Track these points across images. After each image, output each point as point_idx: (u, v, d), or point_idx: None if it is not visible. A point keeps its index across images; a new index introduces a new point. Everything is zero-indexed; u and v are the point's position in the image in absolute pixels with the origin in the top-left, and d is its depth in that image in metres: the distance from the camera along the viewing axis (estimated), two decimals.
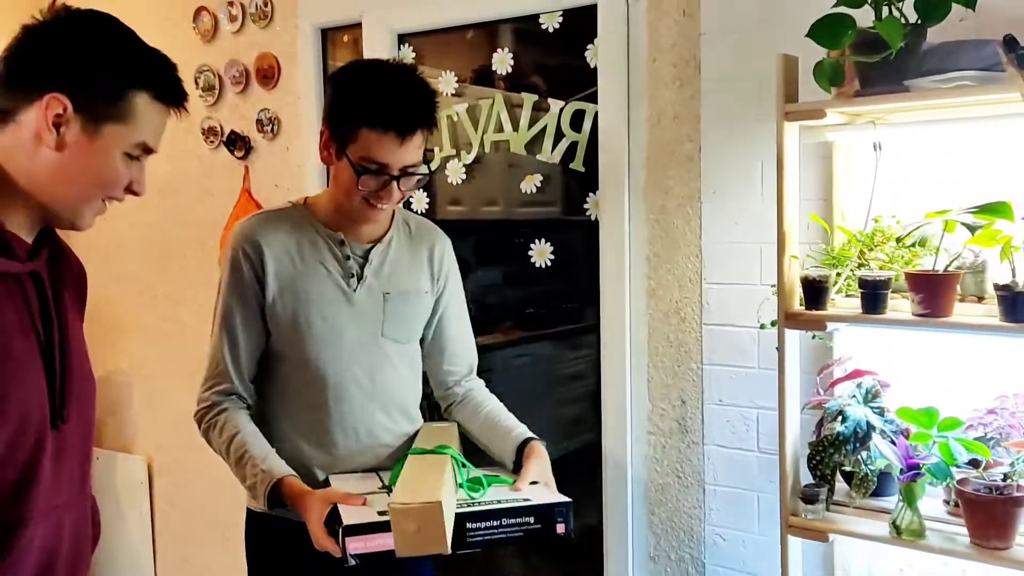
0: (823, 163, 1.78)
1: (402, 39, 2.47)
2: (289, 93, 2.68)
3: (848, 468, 1.58)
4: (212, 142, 2.85)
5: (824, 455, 1.57)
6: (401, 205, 1.68)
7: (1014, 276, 1.33)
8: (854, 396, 1.60)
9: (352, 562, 1.33)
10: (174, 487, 3.06)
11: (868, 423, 1.54)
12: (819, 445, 1.59)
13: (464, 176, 2.40)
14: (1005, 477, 1.42)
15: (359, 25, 2.51)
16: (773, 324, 1.69)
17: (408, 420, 1.69)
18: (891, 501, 1.59)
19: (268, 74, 2.71)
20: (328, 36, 2.64)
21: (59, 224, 1.18)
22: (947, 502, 1.55)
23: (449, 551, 1.32)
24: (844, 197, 1.73)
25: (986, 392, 1.58)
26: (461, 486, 1.49)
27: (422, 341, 1.74)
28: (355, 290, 1.59)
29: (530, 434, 1.63)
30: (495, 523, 1.39)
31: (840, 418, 1.57)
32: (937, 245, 1.46)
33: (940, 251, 1.44)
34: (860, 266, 1.59)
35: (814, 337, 1.76)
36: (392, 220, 1.67)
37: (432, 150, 2.40)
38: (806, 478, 1.66)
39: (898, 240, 1.48)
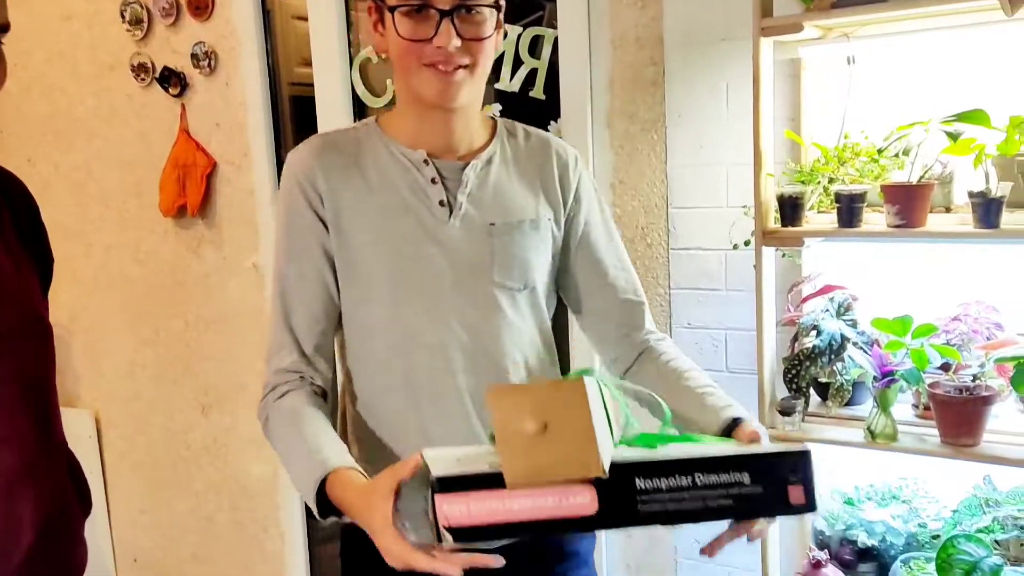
0: (791, 82, 1.79)
1: None
2: (226, 24, 2.54)
3: (823, 380, 1.63)
4: (143, 79, 2.69)
5: (800, 368, 1.62)
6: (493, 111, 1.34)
7: (987, 183, 1.37)
8: (827, 310, 1.64)
9: (449, 539, 0.85)
10: (124, 440, 2.97)
11: (842, 335, 1.59)
12: (795, 359, 1.63)
13: None
14: (974, 378, 1.49)
15: None
16: (747, 244, 1.71)
17: None
18: (863, 409, 1.65)
19: (201, 4, 2.56)
20: None
21: None
22: (915, 406, 1.62)
23: (606, 473, 0.83)
24: (812, 115, 1.75)
25: (950, 300, 1.64)
26: (627, 415, 0.97)
27: (563, 289, 1.32)
28: (448, 222, 1.20)
29: (742, 412, 1.13)
30: (685, 482, 0.86)
31: (815, 332, 1.61)
32: (909, 158, 1.49)
33: (914, 163, 1.48)
34: (831, 182, 1.61)
35: (784, 256, 1.79)
36: (495, 131, 1.27)
37: (386, 78, 2.33)
38: (780, 393, 1.71)
39: (880, 151, 1.51)
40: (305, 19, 2.43)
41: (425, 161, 1.21)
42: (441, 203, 1.20)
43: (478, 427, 1.20)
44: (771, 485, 0.89)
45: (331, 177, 1.20)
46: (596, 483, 0.83)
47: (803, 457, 0.91)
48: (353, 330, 1.24)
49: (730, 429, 1.09)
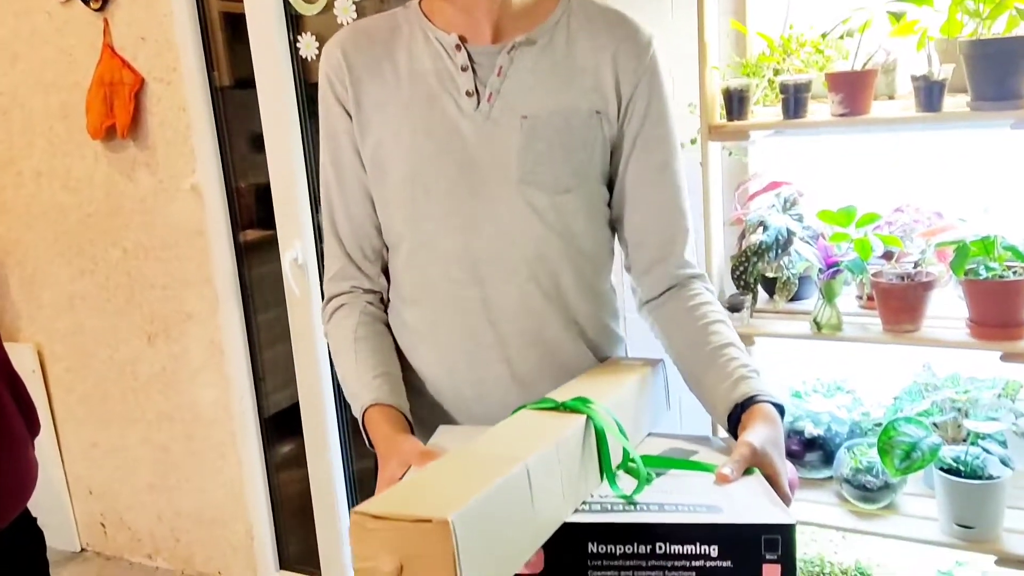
0: None
1: None
2: None
3: (770, 275, 1.64)
4: None
5: (748, 264, 1.62)
6: None
7: (930, 66, 1.36)
8: (773, 206, 1.64)
9: None
10: (70, 373, 2.90)
11: (788, 230, 1.59)
12: (742, 256, 1.64)
13: (355, 14, 2.24)
14: (915, 265, 1.51)
15: None
16: (693, 142, 1.69)
17: (586, 321, 1.14)
18: (809, 303, 1.67)
19: None
20: None
21: None
22: (860, 297, 1.65)
23: None
24: (757, 6, 1.71)
25: (895, 192, 1.65)
26: (609, 472, 0.87)
27: (610, 200, 1.15)
28: (474, 114, 1.06)
29: (758, 389, 0.99)
30: (643, 550, 0.77)
31: (762, 228, 1.61)
32: (853, 44, 1.47)
33: (857, 52, 1.46)
34: (777, 74, 1.59)
35: (731, 154, 1.78)
36: (556, 10, 1.09)
37: None
38: (728, 291, 1.72)
39: (823, 36, 1.49)
40: None
41: (457, 46, 1.07)
42: (468, 93, 1.06)
43: (495, 342, 1.10)
44: (743, 562, 0.76)
45: (357, 68, 1.10)
46: (547, 544, 0.76)
47: (784, 532, 0.76)
48: (385, 233, 1.15)
49: (741, 409, 0.97)
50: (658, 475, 0.88)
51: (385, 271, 1.18)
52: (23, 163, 2.76)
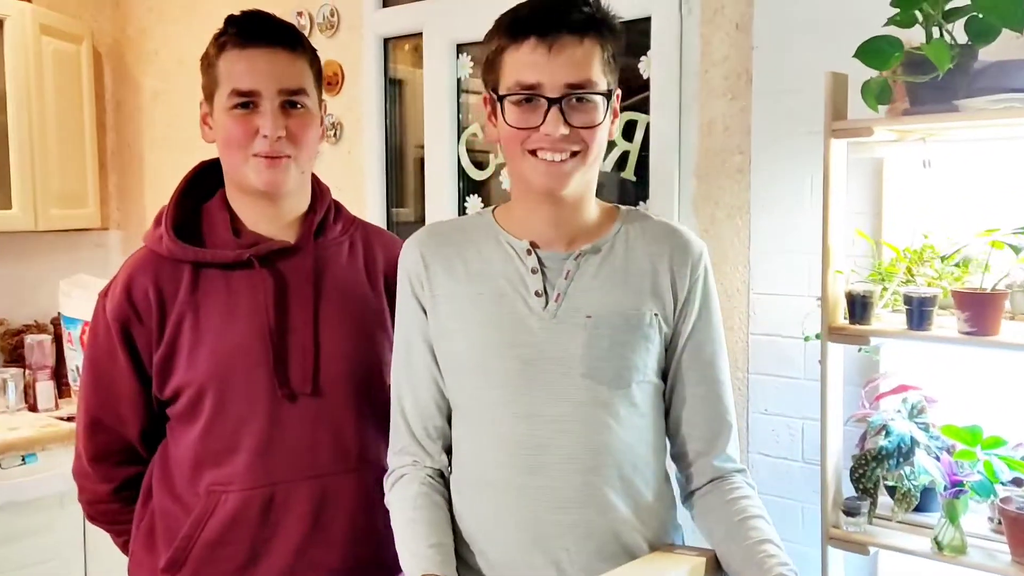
0: (875, 177, 1.79)
1: (460, 48, 2.53)
2: (352, 99, 2.77)
3: (890, 483, 1.59)
4: None
5: (867, 469, 1.59)
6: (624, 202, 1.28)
7: None
8: (899, 411, 1.61)
9: None
10: None
11: (912, 439, 1.55)
12: (862, 459, 1.61)
13: None
14: None
15: (420, 35, 2.59)
16: (817, 336, 1.71)
17: (644, 511, 1.19)
18: (935, 517, 1.59)
19: (332, 81, 2.81)
20: (390, 45, 2.73)
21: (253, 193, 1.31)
22: (992, 519, 1.56)
23: None
24: (894, 212, 1.74)
25: None
26: None
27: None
28: (542, 313, 1.17)
29: None
30: None
31: (884, 432, 1.59)
32: (986, 263, 1.47)
33: (988, 269, 1.45)
34: (907, 282, 1.60)
35: (860, 350, 1.77)
36: (615, 223, 1.23)
37: (488, 153, 2.47)
38: (849, 490, 1.68)
39: (943, 259, 1.49)
40: None
41: (528, 251, 1.19)
42: (537, 293, 1.17)
43: (554, 531, 1.15)
44: None
45: (432, 265, 1.22)
46: None
47: None
48: (455, 423, 1.24)
49: None
50: None
51: (447, 449, 1.25)
52: None
